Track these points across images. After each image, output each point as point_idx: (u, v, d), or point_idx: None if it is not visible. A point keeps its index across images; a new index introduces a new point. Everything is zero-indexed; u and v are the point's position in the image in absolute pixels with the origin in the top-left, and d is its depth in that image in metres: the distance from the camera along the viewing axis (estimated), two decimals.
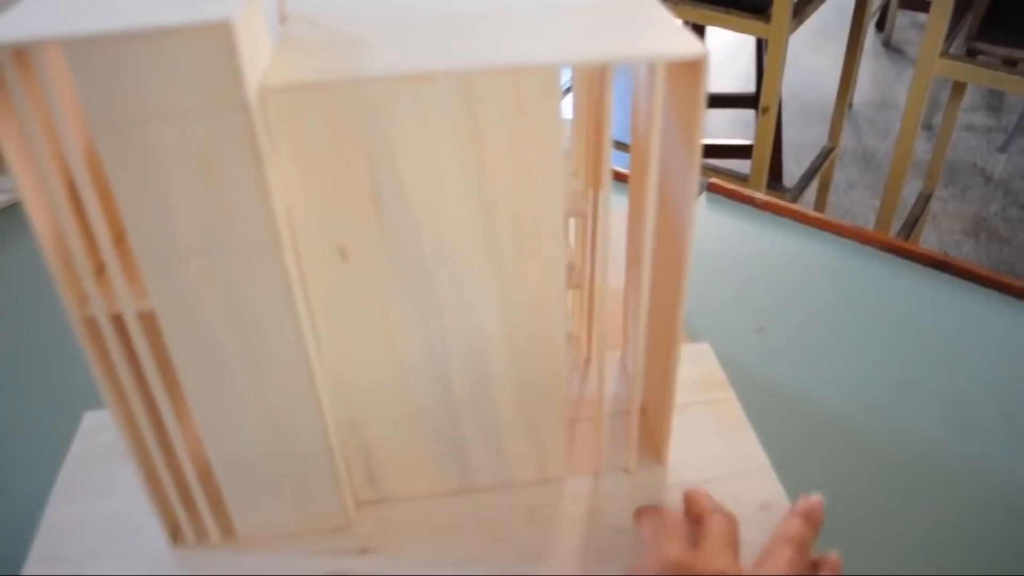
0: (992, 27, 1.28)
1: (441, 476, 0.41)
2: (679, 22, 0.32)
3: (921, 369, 0.50)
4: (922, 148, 2.20)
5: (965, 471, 0.44)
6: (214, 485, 0.37)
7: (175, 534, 0.39)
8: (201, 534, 0.39)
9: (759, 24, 1.29)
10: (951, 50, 1.15)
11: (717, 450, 0.43)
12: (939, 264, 0.59)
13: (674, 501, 0.39)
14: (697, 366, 0.47)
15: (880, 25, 2.82)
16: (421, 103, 0.29)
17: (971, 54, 1.24)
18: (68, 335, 0.52)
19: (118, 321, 0.33)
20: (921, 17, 2.94)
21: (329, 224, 0.32)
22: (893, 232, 1.40)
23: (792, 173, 2.15)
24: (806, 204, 1.82)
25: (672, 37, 0.31)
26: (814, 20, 1.42)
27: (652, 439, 0.43)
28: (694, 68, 0.31)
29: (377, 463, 0.40)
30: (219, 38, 0.26)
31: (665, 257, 0.37)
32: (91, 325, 0.32)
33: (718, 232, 0.62)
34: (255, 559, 0.38)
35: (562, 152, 0.32)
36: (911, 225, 1.62)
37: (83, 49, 0.26)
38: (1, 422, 0.48)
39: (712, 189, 0.67)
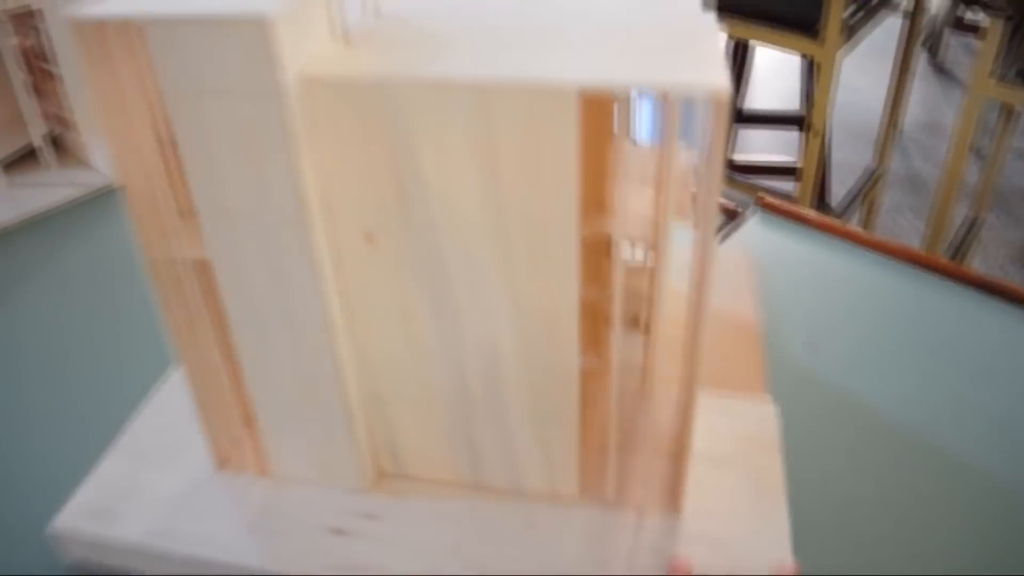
0: None
1: (455, 466, 0.42)
2: (719, 51, 0.32)
3: (967, 389, 0.51)
4: (971, 172, 2.18)
5: (1009, 491, 0.45)
6: (256, 424, 0.41)
7: (222, 460, 0.43)
8: (241, 465, 0.43)
9: (810, 44, 1.29)
10: (1003, 74, 1.14)
11: (741, 510, 0.41)
12: (987, 286, 0.59)
13: (675, 548, 0.39)
14: (752, 421, 0.45)
15: (931, 47, 2.80)
16: (442, 110, 0.31)
17: (1023, 77, 1.23)
18: (139, 326, 0.55)
19: (182, 266, 0.37)
20: (973, 40, 2.91)
21: (358, 209, 0.34)
22: (941, 255, 1.40)
23: (836, 193, 2.14)
24: (851, 225, 1.81)
25: (701, 67, 0.31)
26: (863, 40, 1.43)
27: (678, 484, 0.42)
28: (716, 102, 0.31)
29: (399, 440, 0.41)
30: (256, 31, 0.29)
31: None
32: (160, 267, 0.37)
33: (769, 248, 0.63)
34: (277, 494, 0.42)
35: (575, 173, 0.32)
36: (957, 250, 1.61)
37: (158, 29, 0.30)
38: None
39: (763, 206, 0.68)
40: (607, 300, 0.37)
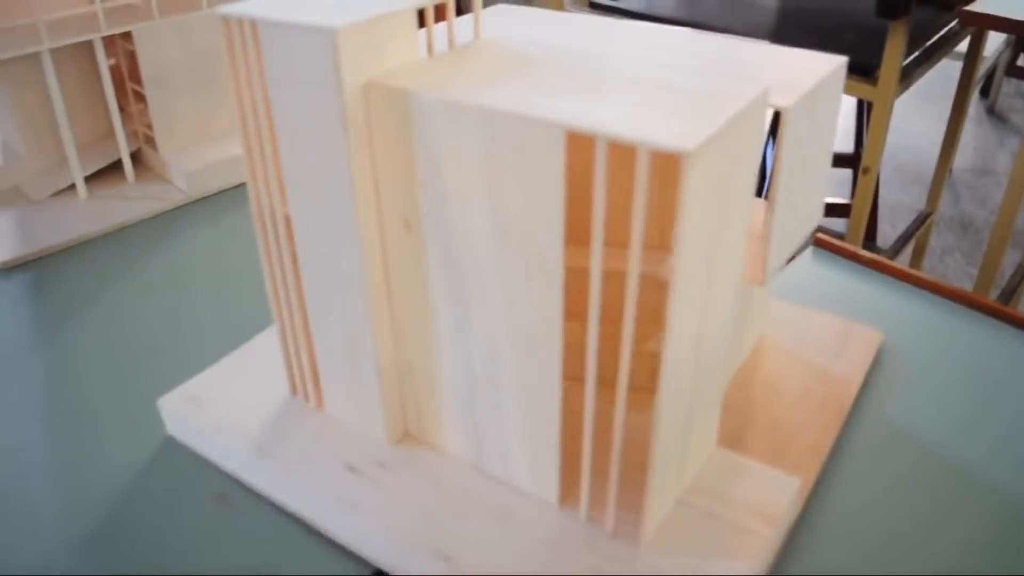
0: None
1: (463, 445, 0.46)
2: (724, 113, 0.34)
3: (1016, 428, 0.51)
4: (1023, 219, 2.16)
5: None
6: (316, 364, 0.49)
7: (293, 388, 0.51)
8: (306, 395, 0.50)
9: (866, 87, 1.31)
10: None
11: (704, 565, 0.40)
12: None
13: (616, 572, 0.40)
14: (768, 491, 0.44)
15: (985, 92, 2.79)
16: (456, 126, 0.37)
17: None
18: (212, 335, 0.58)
19: (276, 218, 0.45)
20: None
21: (400, 198, 0.41)
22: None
23: (886, 234, 2.13)
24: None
25: (690, 126, 0.33)
26: (917, 82, 1.43)
27: (642, 514, 0.42)
28: (675, 160, 0.34)
29: (421, 408, 0.47)
30: (327, 38, 0.37)
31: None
32: (262, 217, 0.45)
33: (822, 285, 0.64)
34: (323, 426, 0.49)
35: (559, 204, 0.35)
36: (1008, 295, 1.59)
37: (267, 28, 0.39)
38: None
39: (818, 243, 0.70)
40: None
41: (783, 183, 0.43)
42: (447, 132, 0.37)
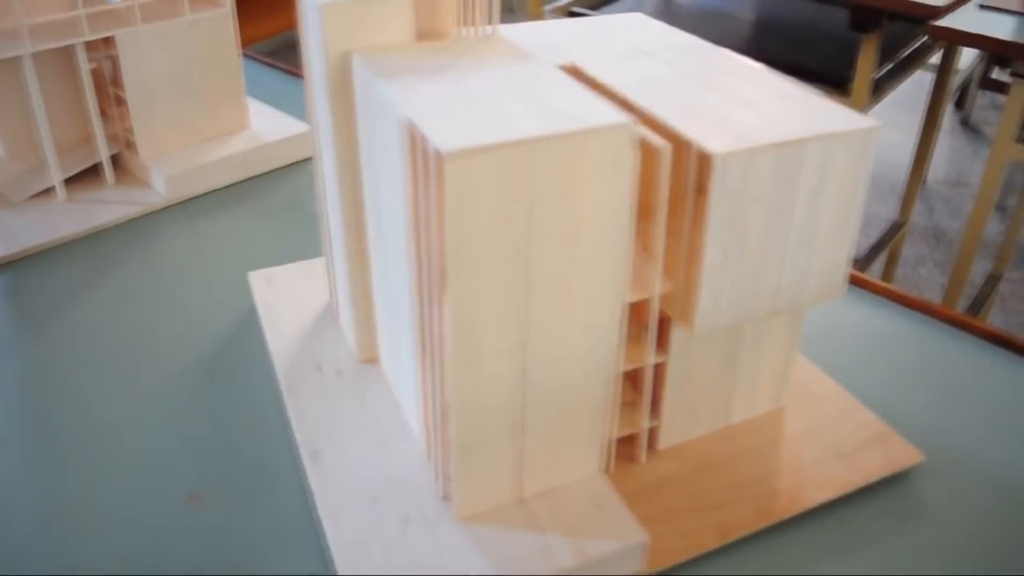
0: None
1: (390, 376, 0.53)
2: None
3: (975, 439, 0.53)
4: (994, 229, 2.20)
5: (1020, 546, 0.47)
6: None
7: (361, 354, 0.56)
8: (363, 353, 0.55)
9: (839, 99, 1.33)
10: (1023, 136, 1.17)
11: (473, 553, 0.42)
12: (1001, 340, 0.62)
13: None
14: (606, 529, 0.43)
15: (959, 103, 2.83)
16: (378, 108, 0.41)
17: None
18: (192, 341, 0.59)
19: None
20: (1001, 98, 2.94)
21: (357, 152, 0.48)
22: (960, 310, 1.42)
23: (859, 244, 2.16)
24: (873, 276, 1.84)
25: (489, 133, 0.34)
26: (891, 94, 1.45)
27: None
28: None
29: (377, 335, 0.54)
30: (318, 11, 0.43)
31: None
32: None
33: None
34: (334, 333, 0.57)
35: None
36: (979, 305, 1.62)
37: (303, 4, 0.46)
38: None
39: None
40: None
41: (713, 234, 0.40)
42: (374, 109, 0.41)
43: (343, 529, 0.43)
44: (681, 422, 0.49)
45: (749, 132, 0.40)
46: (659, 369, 0.47)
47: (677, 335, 0.45)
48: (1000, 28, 1.13)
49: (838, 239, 0.44)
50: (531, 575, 0.40)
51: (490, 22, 0.47)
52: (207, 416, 0.53)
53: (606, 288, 0.40)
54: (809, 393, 0.54)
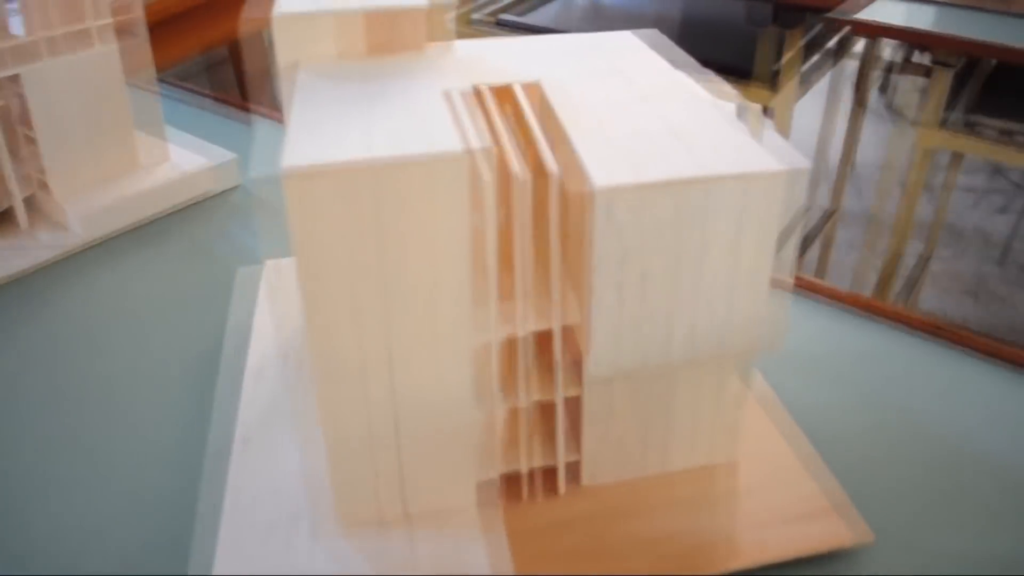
0: (989, 100, 1.34)
1: None
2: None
3: (909, 434, 0.53)
4: (923, 210, 2.25)
5: (955, 541, 0.47)
6: None
7: None
8: None
9: (766, 93, 1.34)
10: (950, 121, 1.20)
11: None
12: (934, 330, 0.62)
13: None
14: (447, 550, 0.44)
15: (883, 88, 2.89)
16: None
17: (969, 126, 1.29)
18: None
19: None
20: (922, 81, 3.02)
21: None
22: (894, 293, 1.44)
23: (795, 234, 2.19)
24: (808, 263, 1.86)
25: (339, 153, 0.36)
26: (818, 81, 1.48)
27: None
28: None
29: None
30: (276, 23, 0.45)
31: None
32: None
33: None
34: None
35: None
36: (911, 286, 1.66)
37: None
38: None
39: None
40: None
41: (601, 271, 0.39)
42: None
43: (235, 515, 0.46)
44: (607, 460, 0.47)
45: (655, 166, 0.38)
46: (574, 403, 0.46)
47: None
48: (916, 18, 1.15)
49: (759, 286, 0.41)
50: None
51: (442, 38, 0.49)
52: (135, 467, 0.51)
53: (452, 320, 0.39)
54: (767, 450, 0.51)
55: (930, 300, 1.92)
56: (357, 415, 0.41)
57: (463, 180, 0.36)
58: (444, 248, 0.37)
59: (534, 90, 0.46)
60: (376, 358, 0.39)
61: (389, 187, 0.35)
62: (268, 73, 1.96)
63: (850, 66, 1.73)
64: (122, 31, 0.76)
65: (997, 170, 2.44)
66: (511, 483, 0.47)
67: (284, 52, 0.45)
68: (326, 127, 0.38)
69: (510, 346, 0.43)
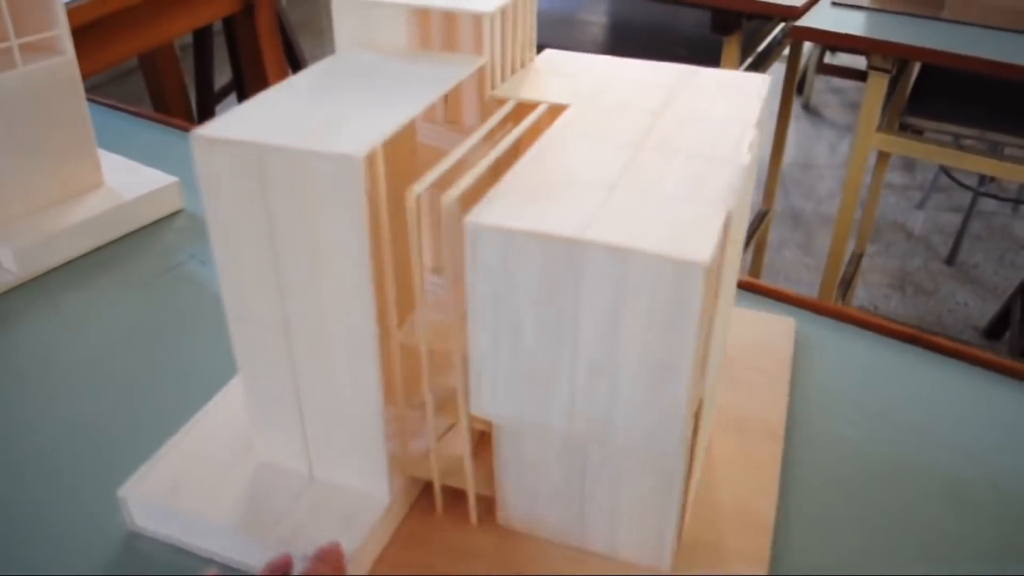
0: (920, 102, 1.37)
1: None
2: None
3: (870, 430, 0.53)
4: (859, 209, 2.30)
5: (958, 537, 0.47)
6: None
7: None
8: None
9: None
10: (881, 123, 1.22)
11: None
12: (912, 338, 0.62)
13: None
14: (346, 506, 0.46)
15: (799, 89, 2.96)
16: None
17: (902, 128, 1.32)
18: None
19: None
20: (836, 82, 3.10)
21: None
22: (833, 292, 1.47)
23: None
24: (743, 264, 1.89)
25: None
26: None
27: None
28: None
29: None
30: None
31: None
32: None
33: None
34: None
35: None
36: (846, 284, 1.69)
37: None
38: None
39: None
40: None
41: (476, 310, 0.38)
42: None
43: (193, 428, 0.50)
44: (520, 509, 0.45)
45: (553, 218, 0.35)
46: (487, 436, 0.44)
47: None
48: (852, 24, 1.16)
49: (656, 387, 0.36)
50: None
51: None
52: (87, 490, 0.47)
53: (349, 315, 0.40)
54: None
55: (860, 296, 1.97)
56: (266, 365, 0.44)
57: (357, 182, 0.36)
58: (325, 241, 0.38)
59: (553, 113, 0.44)
60: (275, 319, 0.42)
61: (276, 171, 0.37)
62: (184, 86, 1.89)
63: (776, 71, 1.75)
64: (46, 49, 0.71)
65: (911, 166, 2.53)
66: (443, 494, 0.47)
67: (341, 36, 0.46)
68: (275, 108, 0.40)
69: (410, 353, 0.44)
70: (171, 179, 0.77)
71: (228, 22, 1.67)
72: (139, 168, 0.79)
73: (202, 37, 1.92)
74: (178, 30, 1.43)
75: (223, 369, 0.55)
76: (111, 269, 0.70)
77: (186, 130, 0.92)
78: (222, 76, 1.97)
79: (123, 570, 0.45)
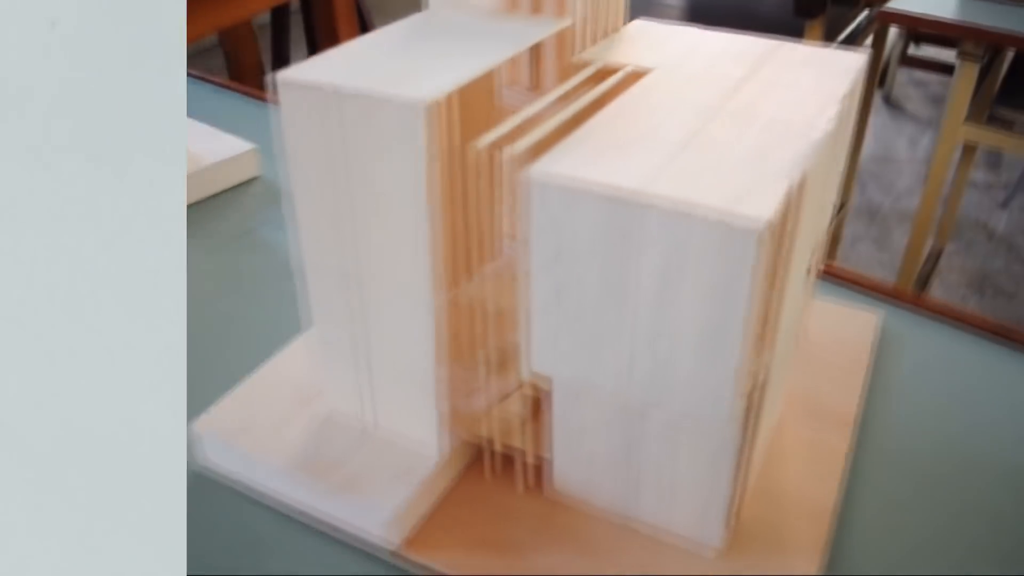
0: (1011, 94, 1.31)
1: None
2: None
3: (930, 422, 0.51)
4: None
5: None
6: None
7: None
8: None
9: None
10: (969, 115, 1.17)
11: None
12: (950, 315, 0.60)
13: None
14: (396, 466, 0.46)
15: (881, 81, 2.88)
16: None
17: (991, 120, 1.27)
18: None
19: None
20: (919, 75, 3.00)
21: None
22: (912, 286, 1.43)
23: None
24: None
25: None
26: None
27: None
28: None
29: None
30: None
31: None
32: None
33: None
34: None
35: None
36: (923, 282, 1.64)
37: None
38: None
39: None
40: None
41: (539, 261, 0.37)
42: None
43: (260, 378, 0.52)
44: (573, 475, 0.44)
45: (618, 174, 0.34)
46: (540, 401, 0.44)
47: None
48: (943, 9, 1.12)
49: (710, 352, 0.36)
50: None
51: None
52: None
53: (408, 267, 0.41)
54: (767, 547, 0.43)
55: (937, 296, 1.91)
56: (337, 312, 0.44)
57: (418, 129, 0.36)
58: (391, 188, 0.39)
59: (634, 78, 0.44)
60: (347, 270, 0.43)
61: (349, 115, 0.38)
62: (260, 62, 1.92)
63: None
64: None
65: (996, 164, 2.44)
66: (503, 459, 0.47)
67: None
68: (357, 57, 0.41)
69: (470, 312, 0.43)
70: (249, 146, 0.78)
71: (305, 1, 1.69)
72: (218, 135, 0.80)
73: (279, 15, 1.95)
74: (256, 8, 1.46)
75: (289, 327, 0.58)
76: (189, 230, 0.71)
77: (264, 100, 0.93)
78: (298, 54, 2.00)
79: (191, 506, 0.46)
